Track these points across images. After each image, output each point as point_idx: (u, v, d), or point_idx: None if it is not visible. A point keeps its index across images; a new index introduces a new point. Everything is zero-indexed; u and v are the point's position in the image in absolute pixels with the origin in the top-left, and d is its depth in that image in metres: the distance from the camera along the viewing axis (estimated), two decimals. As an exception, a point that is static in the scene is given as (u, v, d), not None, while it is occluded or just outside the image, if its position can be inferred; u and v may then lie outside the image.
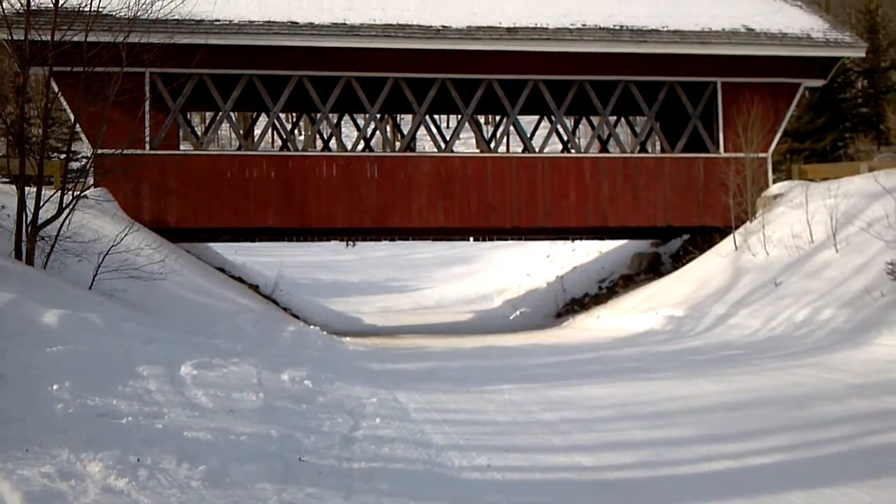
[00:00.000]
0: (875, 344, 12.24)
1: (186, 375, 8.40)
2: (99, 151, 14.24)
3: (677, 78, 22.15)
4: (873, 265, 15.06)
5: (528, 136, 24.78)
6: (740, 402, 9.41)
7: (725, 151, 21.96)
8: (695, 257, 21.66)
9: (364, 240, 29.65)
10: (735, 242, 20.15)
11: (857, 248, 16.23)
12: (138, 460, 5.61)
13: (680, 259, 23.08)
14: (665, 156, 22.62)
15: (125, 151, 14.91)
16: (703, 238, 22.39)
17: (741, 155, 20.96)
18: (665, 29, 21.51)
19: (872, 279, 14.60)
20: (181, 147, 23.81)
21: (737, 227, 20.67)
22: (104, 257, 12.15)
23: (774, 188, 21.89)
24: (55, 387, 6.71)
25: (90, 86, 12.84)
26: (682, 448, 7.39)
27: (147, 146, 19.83)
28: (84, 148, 20.64)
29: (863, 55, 24.59)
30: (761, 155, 21.51)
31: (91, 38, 12.45)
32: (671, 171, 22.06)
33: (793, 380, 10.59)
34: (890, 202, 15.57)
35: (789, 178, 22.95)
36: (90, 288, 11.69)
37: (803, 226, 18.04)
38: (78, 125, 14.92)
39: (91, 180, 17.94)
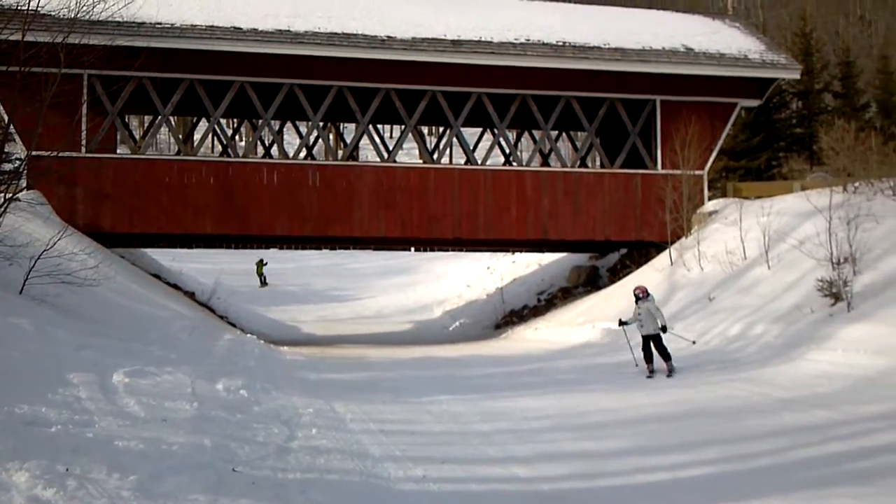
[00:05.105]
0: (805, 359, 12.53)
1: (118, 383, 8.24)
2: (33, 153, 13.91)
3: (618, 95, 22.47)
4: (804, 282, 15.43)
5: (471, 148, 24.91)
6: (674, 414, 9.57)
7: (663, 168, 22.32)
8: (632, 271, 21.95)
9: (305, 248, 29.43)
10: (671, 257, 20.48)
11: (788, 266, 16.61)
12: (67, 470, 5.48)
13: (617, 273, 23.38)
14: (605, 171, 22.91)
15: (60, 154, 14.59)
16: (640, 252, 22.72)
17: (678, 172, 21.32)
18: (607, 46, 21.83)
19: (803, 296, 14.96)
20: (118, 151, 23.38)
21: (673, 243, 21.01)
22: (36, 261, 11.86)
23: (710, 205, 22.30)
24: (-19, 394, 6.54)
25: (26, 86, 12.54)
26: (616, 459, 7.48)
27: (83, 149, 19.47)
28: (18, 149, 20.11)
29: (798, 77, 25.23)
30: (698, 172, 21.89)
31: (28, 38, 12.16)
32: (610, 186, 22.34)
33: (725, 393, 10.79)
34: (821, 221, 15.96)
35: (724, 195, 23.41)
36: (20, 293, 11.40)
37: (737, 242, 18.40)
38: (12, 126, 14.55)
39: (24, 183, 17.56)
